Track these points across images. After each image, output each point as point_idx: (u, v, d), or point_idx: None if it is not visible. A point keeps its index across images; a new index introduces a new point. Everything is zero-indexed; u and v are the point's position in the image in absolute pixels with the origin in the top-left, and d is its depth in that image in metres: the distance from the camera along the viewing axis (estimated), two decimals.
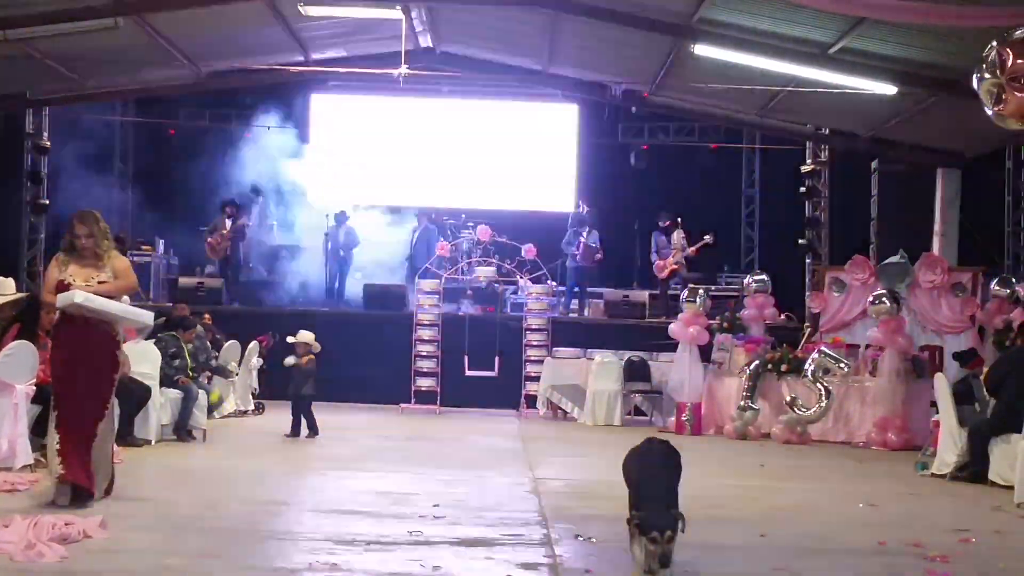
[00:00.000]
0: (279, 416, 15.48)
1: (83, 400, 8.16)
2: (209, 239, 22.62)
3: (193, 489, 9.52)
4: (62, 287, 8.22)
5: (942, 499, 10.58)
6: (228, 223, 22.42)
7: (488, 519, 8.28)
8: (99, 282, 8.30)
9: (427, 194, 25.25)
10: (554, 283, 21.33)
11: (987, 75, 10.03)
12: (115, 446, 11.11)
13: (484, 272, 21.30)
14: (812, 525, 8.67)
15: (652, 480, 6.10)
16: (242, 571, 6.05)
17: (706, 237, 22.24)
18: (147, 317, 9.14)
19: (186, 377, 13.78)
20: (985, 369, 12.96)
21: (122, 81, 22.16)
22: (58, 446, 8.08)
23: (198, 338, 15.16)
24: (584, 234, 22.08)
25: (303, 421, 14.20)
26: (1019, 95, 9.72)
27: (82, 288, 8.16)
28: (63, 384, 8.21)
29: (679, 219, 22.46)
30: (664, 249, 22.43)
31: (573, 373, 18.78)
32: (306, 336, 14.53)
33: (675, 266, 22.19)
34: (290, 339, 14.80)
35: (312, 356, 14.39)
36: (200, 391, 13.84)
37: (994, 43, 10.00)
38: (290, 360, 14.49)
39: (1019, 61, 9.71)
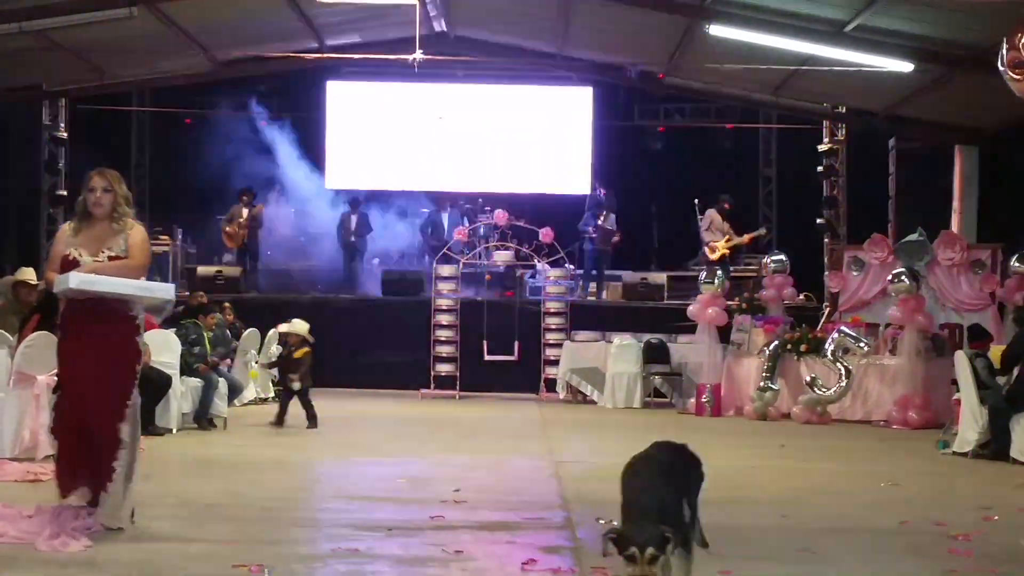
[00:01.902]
0: (298, 403, 15.47)
1: (97, 401, 6.82)
2: (227, 228, 22.68)
3: (214, 477, 9.55)
4: (67, 263, 6.90)
5: (964, 477, 10.56)
6: (245, 212, 22.47)
7: (509, 503, 8.29)
8: (110, 256, 6.92)
9: (443, 179, 25.27)
10: (572, 266, 21.32)
11: (1001, 67, 10.39)
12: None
13: (502, 256, 21.30)
14: (834, 505, 8.65)
15: (644, 491, 5.18)
16: (265, 558, 6.06)
17: (761, 229, 22.70)
18: (165, 292, 7.94)
19: (206, 365, 13.81)
20: (994, 347, 12.94)
21: (138, 71, 22.23)
22: (55, 458, 7.06)
23: (218, 326, 15.18)
24: (601, 217, 22.06)
25: (305, 412, 13.84)
26: (1018, 79, 9.97)
27: (90, 263, 6.87)
28: (73, 383, 6.93)
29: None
30: (717, 231, 22.54)
31: (592, 356, 18.78)
32: (300, 327, 14.16)
33: (726, 251, 22.22)
34: (283, 328, 14.63)
35: (308, 349, 14.07)
36: (220, 379, 13.87)
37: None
38: (274, 350, 14.13)
39: (1011, 52, 9.99)
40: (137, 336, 7.05)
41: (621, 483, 5.27)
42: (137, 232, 7.04)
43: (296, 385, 13.86)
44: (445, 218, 23.01)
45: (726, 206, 22.80)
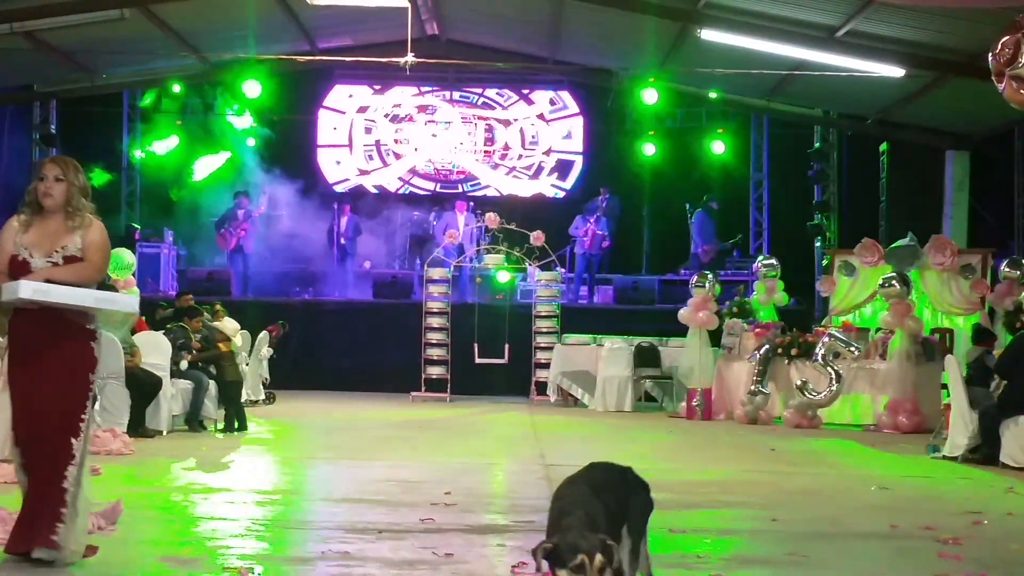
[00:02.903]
0: (289, 405, 15.49)
1: (49, 418, 5.95)
2: (220, 230, 22.67)
3: (203, 479, 9.54)
4: (16, 265, 6.01)
5: (954, 482, 10.56)
6: (238, 214, 22.47)
7: (500, 506, 8.30)
8: (65, 257, 6.03)
9: (433, 182, 25.35)
10: (563, 270, 21.32)
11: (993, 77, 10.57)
12: (127, 438, 11.22)
13: (493, 260, 21.28)
14: (824, 509, 8.65)
15: (577, 504, 4.71)
16: (255, 561, 6.06)
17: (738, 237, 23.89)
18: (128, 304, 7.60)
19: (192, 354, 13.80)
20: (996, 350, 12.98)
21: (129, 72, 22.21)
22: (27, 491, 6.01)
23: (204, 327, 15.16)
24: (592, 221, 22.11)
25: (225, 412, 13.72)
26: (1001, 86, 10.08)
27: (43, 268, 5.97)
28: (24, 403, 6.00)
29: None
30: (710, 235, 22.72)
31: (583, 359, 18.77)
32: (225, 325, 14.33)
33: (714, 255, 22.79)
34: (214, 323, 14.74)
35: (227, 345, 14.20)
36: (211, 381, 13.85)
37: None
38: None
39: (994, 62, 10.14)
40: (93, 342, 6.15)
41: (550, 507, 4.91)
42: (95, 229, 6.16)
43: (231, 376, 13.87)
44: (461, 221, 22.80)
45: (718, 208, 22.98)
